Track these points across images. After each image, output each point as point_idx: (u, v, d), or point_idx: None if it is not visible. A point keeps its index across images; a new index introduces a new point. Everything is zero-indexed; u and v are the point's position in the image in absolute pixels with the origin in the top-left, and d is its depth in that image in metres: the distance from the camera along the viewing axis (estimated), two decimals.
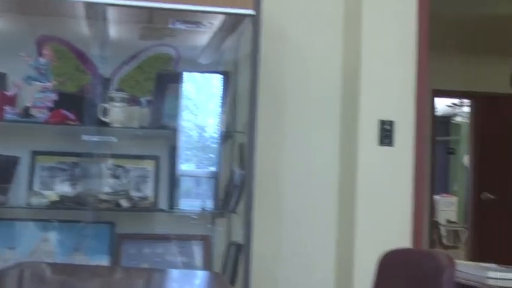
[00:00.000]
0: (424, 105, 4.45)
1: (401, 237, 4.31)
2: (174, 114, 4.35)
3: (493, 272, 2.29)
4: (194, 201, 4.41)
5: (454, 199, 14.96)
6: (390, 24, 4.46)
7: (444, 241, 12.88)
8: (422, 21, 4.47)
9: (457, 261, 2.46)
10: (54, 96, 4.21)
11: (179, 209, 4.32)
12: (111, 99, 4.19)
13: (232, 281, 4.05)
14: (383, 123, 4.36)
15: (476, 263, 3.06)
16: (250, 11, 3.97)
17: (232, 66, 4.53)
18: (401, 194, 4.38)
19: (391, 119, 4.38)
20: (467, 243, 9.94)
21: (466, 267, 2.44)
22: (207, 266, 4.36)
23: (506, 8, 8.35)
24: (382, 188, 4.36)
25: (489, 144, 9.20)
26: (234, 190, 4.19)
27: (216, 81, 4.50)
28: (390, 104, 4.41)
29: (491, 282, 2.17)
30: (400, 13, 4.47)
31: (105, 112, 4.14)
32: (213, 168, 4.48)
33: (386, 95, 4.41)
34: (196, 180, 4.48)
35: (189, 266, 4.35)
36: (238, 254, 4.05)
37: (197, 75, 4.52)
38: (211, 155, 4.46)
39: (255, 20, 3.97)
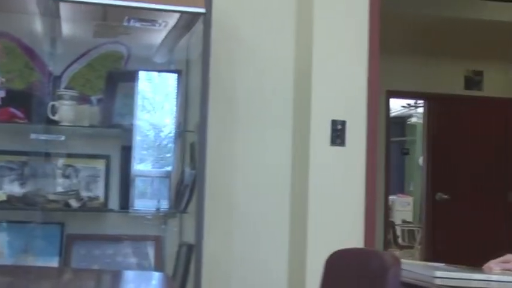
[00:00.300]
0: (375, 106, 4.46)
1: (353, 237, 4.32)
2: (125, 113, 4.30)
3: (440, 272, 2.28)
4: (147, 201, 4.36)
5: (409, 199, 15.10)
6: (342, 24, 4.46)
7: (399, 241, 12.96)
8: (374, 22, 4.48)
9: (405, 261, 2.46)
10: (1, 94, 4.14)
11: (130, 209, 4.27)
12: (61, 97, 4.13)
13: (184, 282, 4.01)
14: (335, 123, 4.36)
15: (425, 262, 3.07)
16: (201, 10, 3.95)
17: (185, 65, 4.50)
18: (354, 194, 4.38)
19: (343, 119, 4.38)
20: (422, 243, 10.01)
21: (414, 267, 2.43)
22: (159, 267, 4.32)
23: (461, 10, 8.43)
24: (334, 188, 4.36)
25: (443, 145, 9.29)
26: (185, 190, 4.16)
27: (169, 80, 4.46)
28: (342, 104, 4.41)
29: (438, 281, 2.17)
30: (352, 14, 4.47)
31: (54, 110, 4.08)
32: (166, 168, 4.43)
33: (338, 95, 4.41)
34: (150, 180, 4.44)
35: (140, 267, 4.30)
36: (190, 254, 4.01)
37: (150, 74, 4.47)
38: (166, 155, 4.42)
39: (206, 18, 3.95)
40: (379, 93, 4.61)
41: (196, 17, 4.05)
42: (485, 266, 2.57)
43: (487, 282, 2.36)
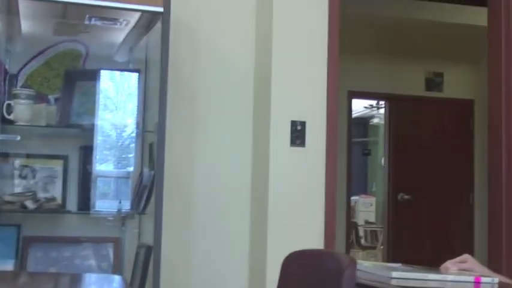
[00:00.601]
0: (335, 106, 4.47)
1: (314, 238, 4.31)
2: (84, 113, 4.25)
3: (397, 272, 2.28)
4: (108, 202, 4.33)
5: (372, 200, 15.17)
6: (301, 25, 4.46)
7: (362, 242, 13.01)
8: (333, 23, 4.48)
9: (362, 261, 2.46)
10: None
11: (91, 210, 4.23)
12: (16, 96, 4.06)
13: (142, 284, 3.98)
14: (294, 123, 4.35)
15: (382, 263, 3.07)
16: (159, 9, 3.92)
17: (145, 64, 4.46)
18: (314, 194, 4.38)
19: (302, 119, 4.37)
20: (384, 243, 10.05)
21: (371, 268, 2.43)
22: (117, 269, 4.28)
23: (422, 12, 8.49)
24: (294, 189, 4.35)
25: (405, 146, 9.34)
26: (144, 191, 4.12)
27: (129, 79, 4.43)
28: (302, 104, 4.41)
29: (394, 282, 2.16)
30: (311, 14, 4.47)
31: (10, 110, 4.02)
32: (128, 168, 4.40)
33: (298, 96, 4.41)
34: (111, 181, 4.40)
35: (98, 269, 4.26)
36: (148, 256, 3.97)
37: (110, 73, 4.44)
38: (128, 155, 4.39)
39: (165, 18, 3.92)
40: (338, 93, 4.62)
41: (157, 16, 4.02)
42: (443, 266, 2.59)
43: (443, 282, 2.36)
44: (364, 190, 16.25)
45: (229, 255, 4.60)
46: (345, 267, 1.95)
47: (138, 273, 4.04)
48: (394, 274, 2.28)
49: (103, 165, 4.35)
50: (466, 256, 2.64)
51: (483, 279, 2.38)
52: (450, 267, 2.56)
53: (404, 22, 8.69)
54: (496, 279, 2.40)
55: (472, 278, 2.39)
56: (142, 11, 4.02)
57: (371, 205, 15.01)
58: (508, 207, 4.89)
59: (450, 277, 2.40)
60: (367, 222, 14.38)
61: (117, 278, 3.01)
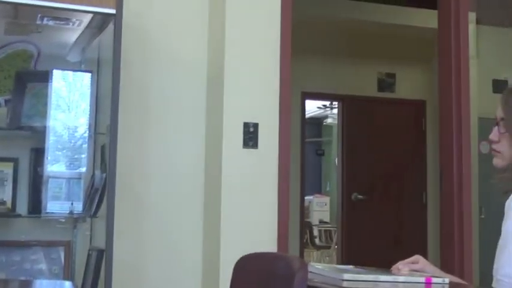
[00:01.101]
0: (287, 108, 4.47)
1: (267, 238, 4.32)
2: (35, 114, 4.21)
3: (348, 274, 2.29)
4: (60, 204, 4.28)
5: (326, 199, 15.23)
6: (254, 27, 4.47)
7: (317, 241, 13.04)
8: (285, 24, 4.49)
9: (314, 264, 2.47)
10: None
11: (42, 212, 4.17)
12: None
13: None
14: (247, 125, 4.35)
15: (334, 265, 3.09)
16: (111, 11, 3.89)
17: (97, 65, 4.43)
18: (267, 195, 4.38)
19: (255, 121, 4.37)
20: (338, 243, 10.10)
21: (323, 270, 2.44)
22: (68, 273, 4.23)
23: (374, 14, 8.55)
24: (247, 190, 4.35)
25: (358, 146, 9.39)
26: (95, 193, 4.09)
27: (82, 80, 4.39)
28: (254, 106, 4.41)
29: (345, 284, 2.18)
30: (264, 17, 4.48)
31: None
32: (81, 169, 4.36)
33: (251, 98, 4.42)
34: (63, 182, 4.35)
35: (49, 273, 4.21)
36: (100, 259, 3.94)
37: (63, 74, 4.39)
38: (80, 156, 4.35)
39: (117, 19, 3.90)
40: (291, 95, 4.63)
41: (109, 17, 4.00)
42: (394, 267, 2.61)
43: (394, 283, 2.38)
44: (318, 190, 16.31)
45: (182, 257, 4.58)
46: (296, 271, 1.96)
47: (90, 276, 4.00)
48: (346, 276, 2.29)
49: (54, 166, 4.30)
50: (417, 257, 2.67)
51: (434, 280, 2.40)
52: (402, 268, 2.58)
53: (356, 24, 8.74)
54: (447, 279, 2.43)
55: (422, 279, 2.41)
56: (95, 13, 3.99)
57: (325, 205, 15.07)
58: (459, 206, 4.95)
59: (401, 278, 2.42)
60: (321, 222, 14.43)
61: (67, 284, 2.98)
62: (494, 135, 2.42)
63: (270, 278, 2.10)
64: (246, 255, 2.33)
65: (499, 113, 2.42)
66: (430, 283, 2.38)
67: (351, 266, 2.74)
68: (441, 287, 2.39)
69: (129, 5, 4.11)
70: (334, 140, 14.76)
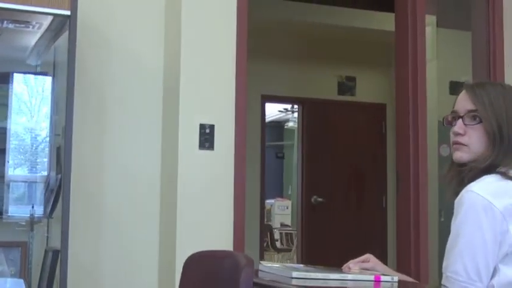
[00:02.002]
0: (244, 109, 4.48)
1: (223, 241, 4.32)
2: None
3: (297, 272, 2.31)
4: (19, 208, 4.26)
5: (288, 203, 15.27)
6: (210, 30, 4.48)
7: (278, 244, 13.07)
8: (241, 27, 4.50)
9: (265, 262, 2.48)
10: None
11: (4, 215, 4.15)
12: None
13: None
14: (203, 127, 4.35)
15: (285, 264, 3.10)
16: (66, 12, 3.88)
17: (55, 68, 4.42)
18: (223, 198, 4.38)
19: (211, 123, 4.37)
20: (298, 246, 10.13)
21: (273, 269, 2.45)
22: (25, 273, 4.22)
23: (334, 18, 8.60)
24: (203, 193, 4.35)
25: (318, 149, 9.42)
26: (51, 195, 4.07)
27: (39, 82, 4.38)
28: (211, 108, 4.42)
29: (294, 282, 2.19)
30: (220, 19, 4.49)
31: None
32: (43, 173, 4.34)
33: (207, 99, 4.42)
34: (21, 185, 4.34)
35: (3, 274, 4.18)
36: (55, 260, 3.93)
37: (20, 76, 4.37)
38: (40, 159, 4.33)
39: (72, 21, 3.88)
40: (249, 97, 4.64)
41: (67, 19, 3.97)
42: (345, 266, 2.62)
43: (343, 281, 2.40)
44: (280, 194, 16.34)
45: (138, 258, 4.57)
46: (242, 267, 1.97)
47: (45, 276, 3.99)
48: (295, 274, 2.31)
49: (15, 169, 4.28)
50: (368, 256, 2.69)
51: (383, 278, 2.42)
52: (352, 267, 2.60)
53: (317, 27, 8.78)
54: (396, 277, 2.45)
55: (372, 277, 2.43)
56: (50, 14, 3.97)
57: (287, 208, 15.11)
58: (415, 208, 4.99)
59: (350, 276, 2.44)
60: (282, 225, 14.47)
61: (16, 282, 2.97)
62: (459, 127, 2.41)
63: (216, 274, 2.11)
64: (195, 253, 2.35)
65: (465, 106, 2.43)
66: (380, 281, 2.41)
67: (301, 265, 2.75)
68: (390, 285, 2.41)
69: (86, 8, 4.11)
70: (295, 144, 14.82)
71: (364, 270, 2.60)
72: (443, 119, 2.52)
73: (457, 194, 2.34)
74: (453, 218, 2.28)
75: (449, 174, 2.50)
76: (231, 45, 4.48)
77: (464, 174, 2.39)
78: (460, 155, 2.42)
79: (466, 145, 2.41)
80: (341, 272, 2.54)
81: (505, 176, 2.28)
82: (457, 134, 2.43)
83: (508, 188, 2.26)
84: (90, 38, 4.45)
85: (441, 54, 8.03)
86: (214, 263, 2.19)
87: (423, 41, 5.16)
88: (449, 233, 2.31)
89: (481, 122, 2.37)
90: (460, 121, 2.42)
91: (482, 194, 2.21)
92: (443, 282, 2.27)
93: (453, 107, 2.50)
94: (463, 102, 2.44)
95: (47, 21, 4.12)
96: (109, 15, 4.65)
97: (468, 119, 2.41)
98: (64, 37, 4.19)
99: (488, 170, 2.32)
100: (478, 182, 2.28)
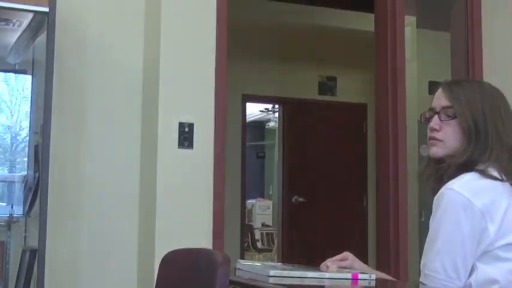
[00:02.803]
0: (223, 108, 4.48)
1: (202, 240, 4.30)
2: None
3: (275, 271, 2.31)
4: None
5: (269, 203, 15.25)
6: (189, 29, 4.47)
7: (259, 245, 13.07)
8: (221, 26, 4.50)
9: (243, 261, 2.48)
10: None
11: None
12: None
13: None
14: (182, 125, 4.34)
15: (263, 262, 3.10)
16: (44, 9, 3.86)
17: (34, 65, 4.40)
18: (202, 197, 4.37)
19: (191, 121, 4.36)
20: (278, 245, 10.14)
21: (250, 267, 2.46)
22: (2, 273, 4.19)
23: (315, 18, 8.61)
24: (182, 192, 4.34)
25: (299, 149, 9.43)
26: (29, 193, 4.05)
27: (17, 81, 4.36)
28: (190, 106, 4.42)
29: (271, 280, 2.20)
30: (199, 18, 4.49)
31: None
32: (23, 172, 4.33)
33: (187, 98, 4.42)
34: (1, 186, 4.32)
35: None
36: (33, 259, 3.91)
37: (2, 75, 4.36)
38: (22, 159, 4.32)
39: (50, 18, 3.87)
40: (229, 96, 4.64)
41: (46, 17, 3.96)
42: (323, 265, 2.62)
43: (320, 279, 2.40)
44: (261, 194, 16.34)
45: (116, 257, 4.55)
46: (218, 265, 1.97)
47: (23, 276, 3.97)
48: (272, 272, 2.31)
49: None
50: (346, 253, 2.70)
51: (361, 276, 2.43)
52: (330, 266, 2.60)
53: (297, 27, 8.79)
54: (373, 275, 2.46)
55: (349, 275, 2.44)
56: (28, 11, 3.96)
57: (268, 208, 15.09)
58: (395, 208, 5.00)
59: (327, 275, 2.45)
60: (264, 225, 14.46)
61: None
62: (435, 123, 2.43)
63: (193, 272, 2.11)
64: (171, 251, 2.34)
65: (441, 102, 2.44)
66: (357, 279, 2.41)
67: (279, 263, 2.75)
68: (368, 283, 2.42)
69: (64, 5, 4.08)
70: (277, 143, 14.83)
71: (343, 268, 2.60)
72: (420, 116, 2.53)
73: (435, 191, 2.35)
74: (432, 216, 2.29)
75: (427, 171, 2.50)
76: (210, 43, 4.47)
77: (443, 171, 2.39)
78: (436, 150, 2.43)
79: (441, 140, 2.42)
80: (319, 270, 2.54)
81: (484, 174, 2.29)
82: (432, 130, 2.44)
83: (487, 186, 2.27)
84: (69, 36, 4.43)
85: (420, 54, 8.05)
86: (191, 261, 2.19)
87: (403, 41, 5.18)
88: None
89: (455, 117, 2.39)
90: (436, 117, 2.44)
91: (462, 191, 2.22)
92: (421, 279, 2.27)
93: (431, 105, 2.51)
94: (440, 99, 2.46)
95: (26, 19, 4.10)
96: (88, 13, 4.63)
97: (444, 115, 2.42)
98: (43, 36, 4.17)
99: (467, 167, 2.33)
100: (457, 179, 2.28)
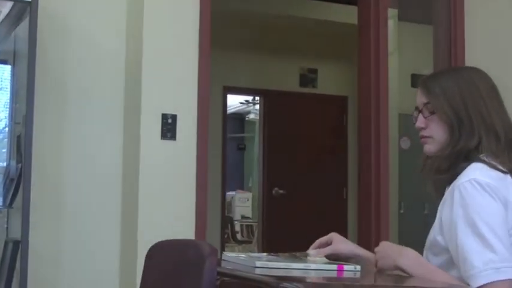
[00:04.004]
0: (206, 100, 4.48)
1: (185, 232, 4.30)
2: None
3: (261, 262, 2.30)
4: None
5: (249, 195, 15.28)
6: (172, 20, 4.47)
7: (238, 236, 13.09)
8: (205, 17, 4.50)
9: (228, 253, 2.48)
10: None
11: None
12: None
13: (9, 279, 3.89)
14: (165, 116, 4.33)
15: (249, 253, 3.10)
16: None
17: (15, 56, 4.37)
18: (184, 188, 4.37)
19: (173, 113, 4.36)
20: (259, 237, 10.14)
21: (237, 259, 2.45)
22: None
23: (296, 9, 8.60)
24: (164, 183, 4.34)
25: (280, 141, 9.43)
26: (11, 184, 4.03)
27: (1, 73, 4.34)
28: (173, 98, 4.41)
29: (257, 271, 2.19)
30: (183, 9, 4.49)
31: None
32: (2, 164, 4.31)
33: (169, 89, 4.41)
34: None
35: None
36: (15, 250, 3.89)
37: None
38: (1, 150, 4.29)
39: (32, 7, 3.85)
40: (212, 88, 4.63)
41: (27, 6, 3.93)
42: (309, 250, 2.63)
43: (306, 271, 2.40)
44: (241, 186, 16.35)
45: (99, 248, 4.54)
46: (206, 256, 1.96)
47: (5, 268, 3.95)
48: (258, 264, 2.30)
49: None
50: (331, 235, 2.69)
51: (346, 267, 2.42)
52: (313, 255, 2.60)
53: (278, 19, 8.79)
54: (358, 266, 2.45)
55: (335, 266, 2.43)
56: (10, 0, 3.93)
57: (247, 200, 15.12)
58: (376, 199, 5.03)
59: (313, 266, 2.44)
60: (243, 217, 14.48)
61: None
62: (420, 122, 2.43)
63: (180, 263, 2.10)
64: (158, 243, 2.33)
65: (421, 100, 2.45)
66: (342, 270, 2.41)
67: (264, 254, 2.75)
68: (353, 274, 2.42)
69: None
70: (257, 135, 14.84)
71: (329, 254, 2.60)
72: (413, 118, 2.53)
73: (437, 183, 2.39)
74: (454, 208, 2.22)
75: (426, 167, 2.50)
76: (194, 35, 4.46)
77: (437, 164, 2.39)
78: (428, 148, 2.44)
79: (430, 137, 2.43)
80: (305, 258, 2.54)
81: (491, 165, 2.27)
82: (420, 129, 2.45)
83: (499, 177, 2.25)
84: (51, 25, 4.40)
85: (403, 47, 8.08)
86: (178, 252, 2.18)
87: (386, 33, 5.20)
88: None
89: (435, 112, 2.40)
90: (420, 116, 2.44)
91: (485, 178, 2.20)
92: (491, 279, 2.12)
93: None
94: (419, 97, 2.47)
95: (6, 8, 4.07)
96: (71, 3, 4.60)
97: (426, 112, 2.43)
98: (24, 25, 4.15)
99: (459, 156, 2.33)
100: (472, 170, 2.26)
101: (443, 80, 2.44)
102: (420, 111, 2.45)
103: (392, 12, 7.08)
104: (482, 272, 2.12)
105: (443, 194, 2.41)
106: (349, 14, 7.55)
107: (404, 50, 8.09)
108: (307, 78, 9.71)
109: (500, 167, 2.27)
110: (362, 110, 5.29)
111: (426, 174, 2.49)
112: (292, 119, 9.42)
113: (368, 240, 5.02)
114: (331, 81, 9.74)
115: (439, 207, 2.39)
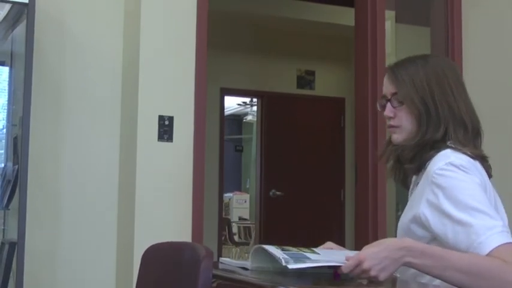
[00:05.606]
0: (203, 102, 4.47)
1: (182, 233, 4.30)
2: None
3: (255, 265, 2.30)
4: None
5: (246, 196, 15.27)
6: (170, 21, 4.46)
7: (236, 238, 13.06)
8: (201, 19, 4.49)
9: (224, 259, 2.47)
10: None
11: None
12: None
13: (5, 281, 3.89)
14: (162, 118, 4.33)
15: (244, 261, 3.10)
16: (24, 0, 3.84)
17: (13, 57, 4.37)
18: (181, 190, 4.37)
19: (170, 114, 4.35)
20: (256, 239, 10.13)
21: (232, 262, 2.45)
22: None
23: (294, 11, 8.61)
24: (161, 184, 4.33)
25: (277, 143, 9.43)
26: (7, 186, 4.03)
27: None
28: (170, 99, 4.40)
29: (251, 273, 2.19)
30: (180, 10, 4.48)
31: None
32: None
33: (166, 91, 4.40)
34: None
35: None
36: (12, 252, 3.89)
37: None
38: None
39: (30, 9, 3.85)
40: (209, 90, 4.63)
41: (25, 7, 3.93)
42: None
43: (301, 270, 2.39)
44: (239, 187, 16.36)
45: (95, 249, 4.54)
46: (201, 258, 1.97)
47: (1, 269, 3.95)
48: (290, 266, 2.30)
49: None
50: (327, 244, 2.68)
51: (342, 276, 2.41)
52: None
53: (276, 20, 8.80)
54: None
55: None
56: (8, 2, 3.94)
57: (245, 202, 15.11)
58: (373, 199, 5.02)
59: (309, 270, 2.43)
60: (241, 218, 14.47)
61: None
62: (389, 111, 2.41)
63: (176, 265, 2.11)
64: (154, 245, 2.33)
65: (389, 89, 2.43)
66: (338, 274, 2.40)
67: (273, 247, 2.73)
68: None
69: None
70: (254, 137, 14.84)
71: None
72: (378, 105, 2.52)
73: (400, 174, 2.42)
74: (438, 195, 2.17)
75: (386, 153, 2.49)
76: (191, 37, 4.46)
77: (399, 152, 2.39)
78: (396, 137, 2.42)
79: (398, 126, 2.41)
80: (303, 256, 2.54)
81: (460, 151, 2.27)
82: (388, 118, 2.43)
83: (468, 160, 2.26)
84: (48, 27, 4.41)
85: (400, 49, 8.07)
86: (174, 255, 2.18)
87: (383, 35, 5.19)
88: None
89: (403, 103, 2.39)
90: (388, 105, 2.43)
91: (461, 158, 2.21)
92: (498, 242, 2.05)
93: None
94: (387, 85, 2.45)
95: (4, 10, 4.07)
96: (68, 4, 4.61)
97: (394, 102, 2.41)
98: (22, 26, 4.16)
99: (425, 147, 2.32)
100: (443, 156, 2.25)
101: (411, 68, 2.42)
102: (388, 100, 2.43)
103: (389, 14, 7.07)
104: (491, 236, 2.06)
105: (409, 184, 2.44)
106: (346, 16, 7.56)
107: (401, 51, 8.08)
108: (305, 80, 9.71)
109: (469, 153, 2.27)
110: (359, 112, 5.28)
111: (386, 161, 2.48)
112: (289, 121, 9.42)
113: (365, 242, 4.97)
114: (329, 83, 9.74)
115: (410, 197, 2.39)
